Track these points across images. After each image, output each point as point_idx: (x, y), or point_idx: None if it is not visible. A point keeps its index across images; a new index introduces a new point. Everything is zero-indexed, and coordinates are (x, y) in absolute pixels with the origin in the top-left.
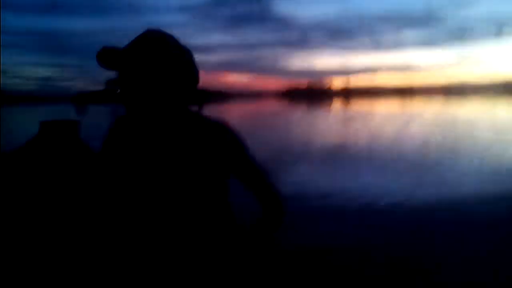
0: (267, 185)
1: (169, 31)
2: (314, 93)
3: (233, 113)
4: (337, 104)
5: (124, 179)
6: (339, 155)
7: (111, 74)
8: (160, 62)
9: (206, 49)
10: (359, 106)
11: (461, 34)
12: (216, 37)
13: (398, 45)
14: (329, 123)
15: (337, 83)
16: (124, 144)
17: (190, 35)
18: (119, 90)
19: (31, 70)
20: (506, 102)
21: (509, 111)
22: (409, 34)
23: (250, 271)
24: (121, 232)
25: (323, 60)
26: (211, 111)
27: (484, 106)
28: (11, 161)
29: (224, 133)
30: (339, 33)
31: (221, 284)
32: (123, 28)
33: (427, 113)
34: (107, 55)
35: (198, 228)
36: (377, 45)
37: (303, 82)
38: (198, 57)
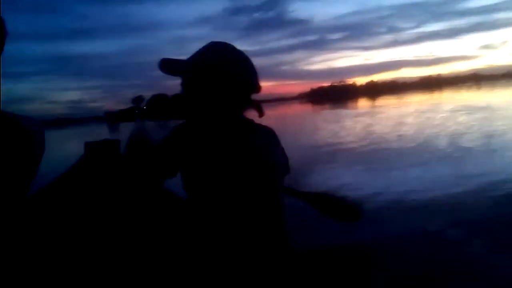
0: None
1: (194, 44)
2: (337, 93)
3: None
4: (363, 102)
5: (201, 186)
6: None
7: (138, 92)
8: (220, 70)
9: None
10: (385, 102)
11: (482, 23)
12: (236, 46)
13: (419, 38)
14: (358, 122)
15: (361, 81)
16: (189, 149)
17: None
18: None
19: (60, 95)
20: None
21: None
22: (429, 26)
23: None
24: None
25: (344, 60)
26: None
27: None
28: (67, 185)
29: (277, 140)
30: (357, 31)
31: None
32: (145, 46)
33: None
34: (170, 64)
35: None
36: (398, 40)
37: (325, 84)
38: None
